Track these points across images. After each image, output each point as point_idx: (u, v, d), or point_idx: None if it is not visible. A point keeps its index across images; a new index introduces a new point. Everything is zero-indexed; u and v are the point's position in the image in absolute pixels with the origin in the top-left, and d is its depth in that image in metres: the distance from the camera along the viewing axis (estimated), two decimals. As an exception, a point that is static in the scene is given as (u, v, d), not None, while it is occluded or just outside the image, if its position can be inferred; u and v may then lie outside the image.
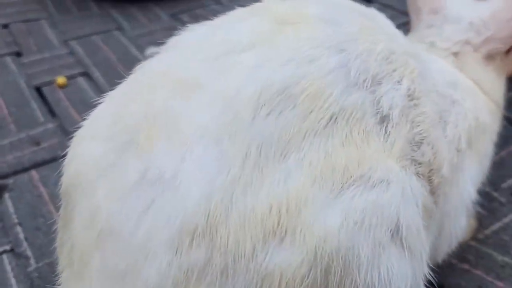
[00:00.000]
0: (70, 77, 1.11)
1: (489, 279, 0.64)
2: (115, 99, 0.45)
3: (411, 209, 0.40)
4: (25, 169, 0.88)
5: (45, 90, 1.08)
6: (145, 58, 0.65)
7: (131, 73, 0.49)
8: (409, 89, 0.45)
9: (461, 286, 0.63)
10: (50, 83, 1.09)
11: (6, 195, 0.82)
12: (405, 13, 0.69)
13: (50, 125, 0.98)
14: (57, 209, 0.64)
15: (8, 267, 0.70)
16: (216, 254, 0.34)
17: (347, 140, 0.39)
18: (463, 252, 0.67)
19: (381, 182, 0.38)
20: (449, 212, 0.51)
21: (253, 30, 0.44)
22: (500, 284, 0.63)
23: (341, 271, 0.35)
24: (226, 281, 0.34)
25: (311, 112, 0.39)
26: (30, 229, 0.75)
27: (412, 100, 0.46)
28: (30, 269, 0.69)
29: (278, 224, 0.35)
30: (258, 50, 0.41)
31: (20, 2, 1.44)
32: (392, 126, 0.43)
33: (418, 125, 0.45)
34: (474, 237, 0.70)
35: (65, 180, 0.45)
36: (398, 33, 0.52)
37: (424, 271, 0.42)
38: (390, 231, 0.38)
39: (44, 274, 0.69)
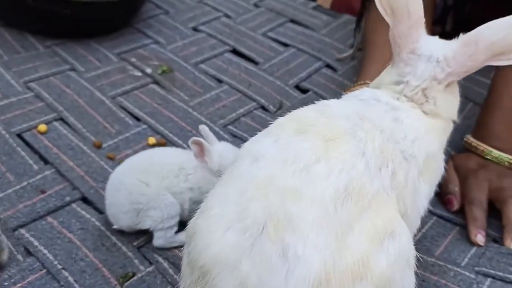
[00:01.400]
0: (46, 122, 1.22)
1: (426, 274, 0.96)
2: (230, 198, 0.65)
3: (410, 241, 0.69)
4: (41, 217, 1.00)
5: (27, 136, 1.18)
6: (200, 134, 0.88)
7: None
8: (393, 171, 0.73)
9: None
10: (29, 129, 1.20)
11: (36, 243, 0.95)
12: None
13: (48, 172, 1.10)
14: (93, 251, 0.83)
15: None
16: None
17: (378, 210, 0.66)
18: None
19: (400, 233, 0.66)
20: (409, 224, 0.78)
21: (314, 147, 0.67)
22: (434, 278, 0.96)
23: None
24: None
25: (358, 200, 0.65)
26: (76, 272, 0.90)
27: (393, 174, 0.73)
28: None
29: (358, 271, 0.61)
30: (323, 163, 0.66)
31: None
32: (389, 195, 0.71)
33: (397, 189, 0.74)
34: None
35: (205, 259, 0.63)
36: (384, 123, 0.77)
37: None
38: (407, 261, 0.66)
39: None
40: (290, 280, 0.59)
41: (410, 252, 0.67)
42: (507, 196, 1.08)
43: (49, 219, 1.01)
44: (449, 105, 0.85)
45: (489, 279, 0.97)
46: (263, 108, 1.38)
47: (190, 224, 0.69)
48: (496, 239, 1.06)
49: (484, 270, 0.98)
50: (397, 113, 0.79)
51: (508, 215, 1.06)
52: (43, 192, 1.05)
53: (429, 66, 0.80)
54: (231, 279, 0.61)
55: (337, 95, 1.51)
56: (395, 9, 0.80)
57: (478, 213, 1.06)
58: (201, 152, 0.93)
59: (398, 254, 0.64)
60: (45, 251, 0.93)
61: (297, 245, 0.59)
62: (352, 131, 0.71)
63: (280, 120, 0.76)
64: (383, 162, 0.71)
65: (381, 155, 0.71)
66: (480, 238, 1.03)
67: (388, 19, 0.83)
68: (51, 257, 0.92)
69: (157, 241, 0.95)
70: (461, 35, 0.79)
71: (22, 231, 0.97)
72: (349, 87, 1.25)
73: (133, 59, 1.49)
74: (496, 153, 1.13)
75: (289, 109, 1.39)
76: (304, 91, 1.47)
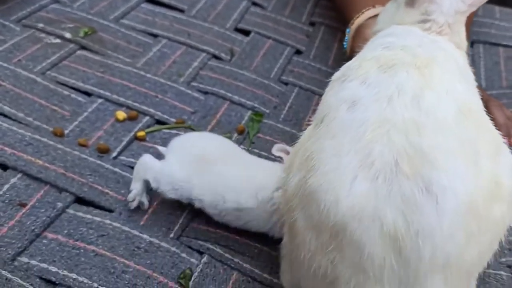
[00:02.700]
0: (-25, 119, 0.93)
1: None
2: (344, 148, 0.58)
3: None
4: (38, 235, 0.78)
5: (-41, 141, 0.89)
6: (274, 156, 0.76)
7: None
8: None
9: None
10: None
11: (53, 269, 0.73)
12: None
13: (14, 180, 0.85)
14: (131, 258, 0.73)
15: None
16: None
17: (485, 126, 0.63)
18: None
19: (503, 145, 0.64)
20: None
21: (411, 77, 0.61)
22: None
23: None
24: None
25: (472, 119, 0.60)
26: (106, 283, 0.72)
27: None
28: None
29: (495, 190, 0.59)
30: (428, 91, 0.60)
31: None
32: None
33: None
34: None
35: (337, 215, 0.56)
36: None
37: None
38: None
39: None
40: (444, 215, 0.54)
41: None
42: (484, 101, 1.15)
43: (50, 235, 0.79)
44: (464, 35, 0.87)
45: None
46: (216, 57, 1.24)
47: (294, 187, 0.61)
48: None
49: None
50: (439, 44, 0.77)
51: (493, 117, 1.13)
52: (22, 205, 0.81)
53: (453, 1, 0.78)
54: (373, 230, 0.54)
55: (278, 33, 1.45)
56: None
57: None
58: None
59: (510, 166, 0.62)
60: (73, 275, 0.73)
61: (440, 177, 0.54)
62: (433, 56, 0.66)
63: (349, 64, 0.68)
64: (468, 80, 0.68)
65: (464, 75, 0.68)
66: None
67: None
68: (86, 280, 0.73)
69: None
70: None
71: (24, 258, 0.75)
72: (353, 19, 1.17)
73: (40, 25, 1.20)
74: None
75: (241, 54, 1.33)
76: (246, 32, 1.36)
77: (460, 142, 0.57)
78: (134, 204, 0.82)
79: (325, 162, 0.58)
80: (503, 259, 0.84)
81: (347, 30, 1.17)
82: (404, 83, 0.60)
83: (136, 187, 0.82)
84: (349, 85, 0.64)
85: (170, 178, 0.80)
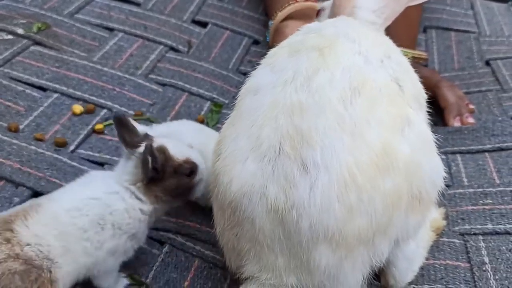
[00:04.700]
0: None
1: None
2: (240, 129, 0.63)
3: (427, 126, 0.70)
4: None
5: None
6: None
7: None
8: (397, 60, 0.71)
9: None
10: None
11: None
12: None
13: (-32, 177, 0.83)
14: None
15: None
16: None
17: (391, 99, 0.65)
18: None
19: (415, 119, 0.65)
20: None
21: (309, 60, 0.64)
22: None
23: None
24: None
25: (367, 93, 0.62)
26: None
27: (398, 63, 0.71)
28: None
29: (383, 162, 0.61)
30: (322, 71, 0.63)
31: None
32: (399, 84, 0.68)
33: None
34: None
35: (232, 194, 0.61)
36: None
37: None
38: (429, 144, 0.67)
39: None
40: (316, 190, 0.58)
41: (430, 136, 0.67)
42: (436, 81, 1.18)
43: (7, 230, 0.77)
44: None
45: (458, 155, 1.06)
46: (173, 49, 1.24)
47: (211, 170, 0.67)
48: (436, 123, 1.16)
49: (449, 150, 1.07)
50: (351, 24, 0.76)
51: (445, 97, 1.16)
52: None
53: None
54: (260, 206, 0.60)
55: (235, 23, 1.46)
56: None
57: None
58: None
59: (420, 138, 0.64)
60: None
61: (313, 155, 0.58)
62: (344, 33, 0.68)
63: (271, 50, 0.71)
64: (383, 54, 0.69)
65: (379, 48, 0.69)
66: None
67: None
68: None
69: None
70: None
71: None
72: (279, 7, 1.19)
73: None
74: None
75: (199, 46, 1.34)
76: (203, 24, 1.36)
77: (341, 119, 0.60)
78: None
79: (226, 147, 0.64)
80: (456, 228, 0.87)
81: (270, 22, 1.20)
82: (301, 66, 0.64)
83: None
84: (258, 73, 0.69)
85: None
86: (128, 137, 0.71)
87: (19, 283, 0.61)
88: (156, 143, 0.70)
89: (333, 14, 0.78)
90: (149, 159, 0.68)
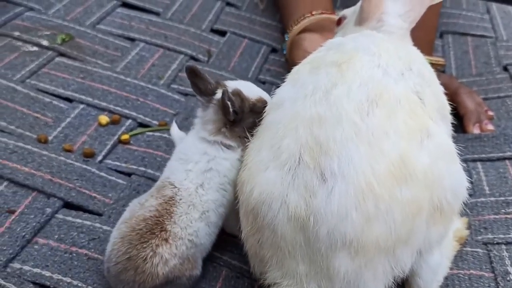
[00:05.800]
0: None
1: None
2: (263, 141, 0.68)
3: (449, 137, 0.72)
4: (29, 241, 0.79)
5: None
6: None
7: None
8: (418, 71, 0.72)
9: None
10: None
11: (47, 273, 0.75)
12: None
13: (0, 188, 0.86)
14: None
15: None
16: None
17: (410, 110, 0.66)
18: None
19: (435, 131, 0.66)
20: None
21: (328, 75, 0.67)
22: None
23: None
24: None
25: (385, 104, 0.64)
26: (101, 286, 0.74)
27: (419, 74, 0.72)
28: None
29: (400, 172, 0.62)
30: (340, 85, 0.65)
31: None
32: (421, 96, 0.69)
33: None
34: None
35: (253, 201, 0.65)
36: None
37: None
38: (450, 154, 0.68)
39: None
40: (333, 197, 0.60)
41: (452, 147, 0.68)
42: (455, 88, 1.19)
43: (41, 240, 0.80)
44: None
45: (478, 163, 1.07)
46: (194, 58, 1.26)
47: (237, 180, 0.71)
48: (455, 130, 1.16)
49: (469, 157, 1.08)
50: (373, 39, 0.77)
51: (464, 104, 1.17)
52: (11, 212, 0.82)
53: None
54: (281, 213, 0.62)
55: (253, 32, 1.47)
56: None
57: None
58: None
59: (441, 149, 0.65)
60: (67, 279, 0.74)
61: (331, 165, 0.61)
62: (364, 47, 0.70)
63: (296, 67, 0.75)
64: (404, 67, 0.70)
65: (400, 61, 0.70)
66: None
67: None
68: (80, 284, 0.74)
69: None
70: None
71: (16, 264, 0.76)
72: (294, 20, 1.20)
73: (16, 33, 1.21)
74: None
75: (219, 55, 1.36)
76: (222, 33, 1.38)
77: (358, 129, 0.62)
78: None
79: (250, 158, 0.68)
80: (479, 237, 0.88)
81: (286, 36, 1.21)
82: (320, 81, 0.67)
83: None
84: (282, 89, 0.72)
85: None
86: (202, 86, 0.76)
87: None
88: (230, 88, 0.75)
89: (360, 20, 0.79)
90: (229, 103, 0.72)
